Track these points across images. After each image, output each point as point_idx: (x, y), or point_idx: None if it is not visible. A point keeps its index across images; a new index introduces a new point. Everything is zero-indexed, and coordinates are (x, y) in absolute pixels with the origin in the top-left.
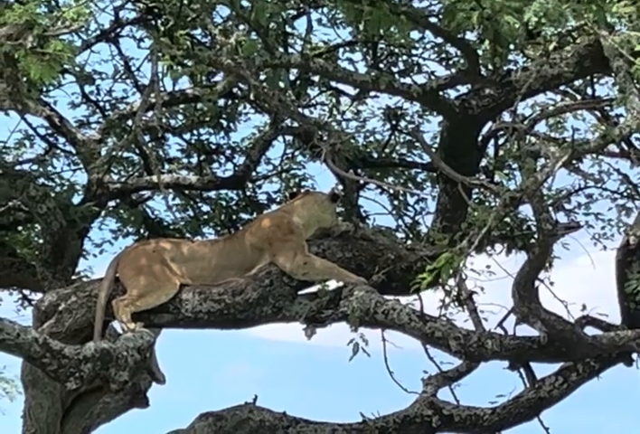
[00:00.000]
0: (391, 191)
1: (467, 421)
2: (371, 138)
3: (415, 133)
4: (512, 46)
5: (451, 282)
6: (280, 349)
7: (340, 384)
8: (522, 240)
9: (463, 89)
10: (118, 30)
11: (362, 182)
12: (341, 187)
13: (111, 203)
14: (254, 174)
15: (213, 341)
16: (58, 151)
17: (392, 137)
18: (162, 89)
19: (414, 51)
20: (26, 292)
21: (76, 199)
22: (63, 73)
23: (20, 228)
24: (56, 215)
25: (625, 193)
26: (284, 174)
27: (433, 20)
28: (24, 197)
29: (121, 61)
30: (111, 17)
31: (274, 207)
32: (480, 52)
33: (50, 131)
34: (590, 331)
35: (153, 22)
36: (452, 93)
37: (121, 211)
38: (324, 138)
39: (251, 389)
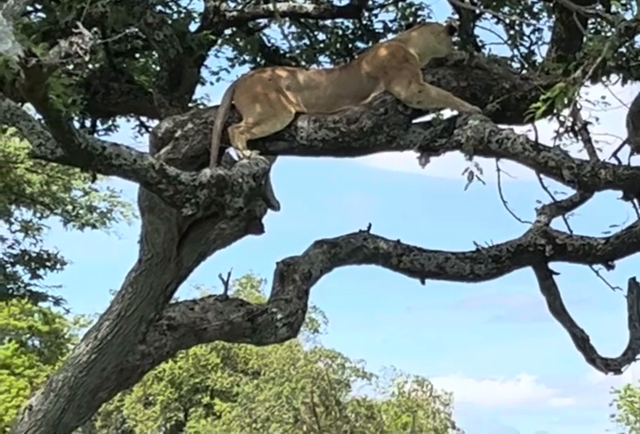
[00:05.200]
0: (507, 20)
1: (580, 251)
2: None
3: None
4: None
5: (565, 112)
6: (394, 179)
7: (454, 214)
8: (637, 71)
9: None
10: None
11: (477, 11)
12: (457, 17)
13: (228, 31)
14: (370, 2)
15: (329, 170)
16: None
17: None
18: None
19: None
20: (143, 119)
21: (193, 26)
22: None
23: (137, 55)
24: (173, 42)
25: None
26: (400, 3)
27: None
28: (141, 24)
29: None
30: None
31: (390, 36)
32: None
33: None
34: None
35: None
36: None
37: (237, 39)
38: None
39: (365, 218)
